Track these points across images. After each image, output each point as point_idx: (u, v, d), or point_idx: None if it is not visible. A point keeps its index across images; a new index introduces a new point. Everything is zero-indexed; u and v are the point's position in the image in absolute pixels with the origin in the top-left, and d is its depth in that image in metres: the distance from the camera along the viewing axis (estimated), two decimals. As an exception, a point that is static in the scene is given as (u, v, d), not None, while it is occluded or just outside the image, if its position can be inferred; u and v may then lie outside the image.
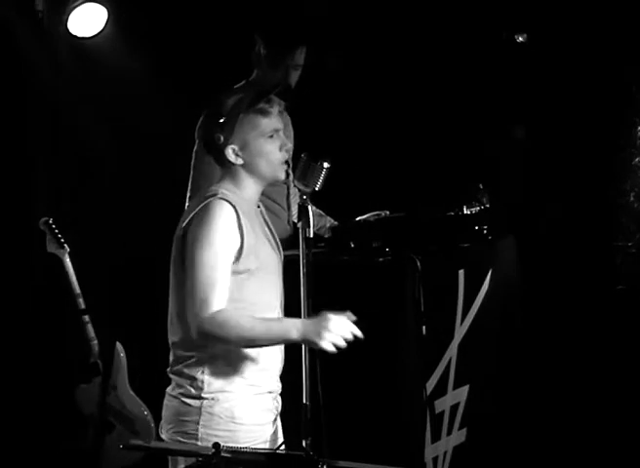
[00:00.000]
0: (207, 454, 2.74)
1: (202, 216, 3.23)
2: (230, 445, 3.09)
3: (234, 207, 3.24)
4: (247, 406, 3.30)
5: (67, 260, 5.10)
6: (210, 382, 3.28)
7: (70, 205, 5.45)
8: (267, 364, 3.35)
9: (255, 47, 4.73)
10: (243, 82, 4.70)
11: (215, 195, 3.26)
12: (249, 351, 3.29)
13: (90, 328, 5.12)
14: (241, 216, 3.25)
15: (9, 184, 5.39)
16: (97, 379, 5.12)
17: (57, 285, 5.19)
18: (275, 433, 3.41)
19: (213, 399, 3.26)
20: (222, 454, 2.72)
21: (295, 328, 3.15)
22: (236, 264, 3.25)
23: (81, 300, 5.10)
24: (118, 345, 5.16)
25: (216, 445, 2.74)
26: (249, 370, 3.30)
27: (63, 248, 5.11)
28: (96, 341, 5.13)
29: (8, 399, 5.31)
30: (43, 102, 5.43)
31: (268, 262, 3.35)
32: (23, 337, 5.38)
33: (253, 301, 3.30)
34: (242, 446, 3.11)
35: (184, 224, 3.27)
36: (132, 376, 5.17)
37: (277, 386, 3.41)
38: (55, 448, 5.23)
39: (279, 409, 3.44)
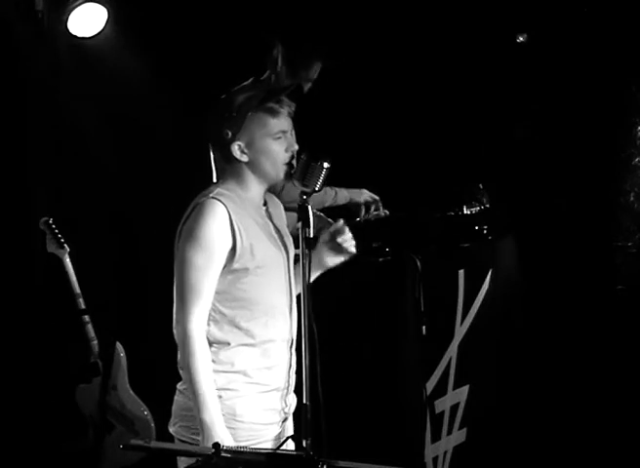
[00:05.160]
0: (207, 454, 2.74)
1: (193, 217, 3.25)
2: (231, 443, 3.11)
3: (226, 207, 3.25)
4: (249, 404, 3.29)
5: (67, 260, 5.11)
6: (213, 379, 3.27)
7: (70, 205, 5.45)
8: (274, 361, 3.35)
9: (272, 50, 4.70)
10: (251, 79, 4.65)
11: (207, 195, 3.27)
12: (254, 349, 3.30)
13: (90, 328, 5.12)
14: (233, 216, 3.25)
15: (9, 184, 5.39)
16: (97, 379, 5.12)
17: (57, 285, 5.19)
18: (283, 433, 3.39)
19: (216, 396, 3.26)
20: (222, 454, 2.72)
21: (209, 419, 3.16)
22: (231, 263, 3.26)
23: (81, 300, 5.11)
24: (118, 345, 5.16)
25: (216, 445, 2.74)
26: (254, 368, 3.30)
27: (63, 248, 5.11)
28: (96, 341, 5.13)
29: (8, 399, 5.31)
30: (43, 102, 5.42)
31: (271, 261, 3.34)
32: (24, 337, 5.37)
33: (254, 301, 3.30)
34: (242, 444, 3.13)
35: (180, 224, 3.30)
36: (132, 376, 5.17)
37: (286, 384, 3.39)
38: (55, 448, 5.23)
39: (290, 409, 3.42)
